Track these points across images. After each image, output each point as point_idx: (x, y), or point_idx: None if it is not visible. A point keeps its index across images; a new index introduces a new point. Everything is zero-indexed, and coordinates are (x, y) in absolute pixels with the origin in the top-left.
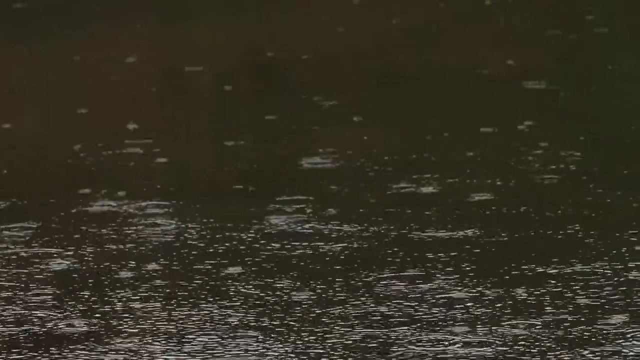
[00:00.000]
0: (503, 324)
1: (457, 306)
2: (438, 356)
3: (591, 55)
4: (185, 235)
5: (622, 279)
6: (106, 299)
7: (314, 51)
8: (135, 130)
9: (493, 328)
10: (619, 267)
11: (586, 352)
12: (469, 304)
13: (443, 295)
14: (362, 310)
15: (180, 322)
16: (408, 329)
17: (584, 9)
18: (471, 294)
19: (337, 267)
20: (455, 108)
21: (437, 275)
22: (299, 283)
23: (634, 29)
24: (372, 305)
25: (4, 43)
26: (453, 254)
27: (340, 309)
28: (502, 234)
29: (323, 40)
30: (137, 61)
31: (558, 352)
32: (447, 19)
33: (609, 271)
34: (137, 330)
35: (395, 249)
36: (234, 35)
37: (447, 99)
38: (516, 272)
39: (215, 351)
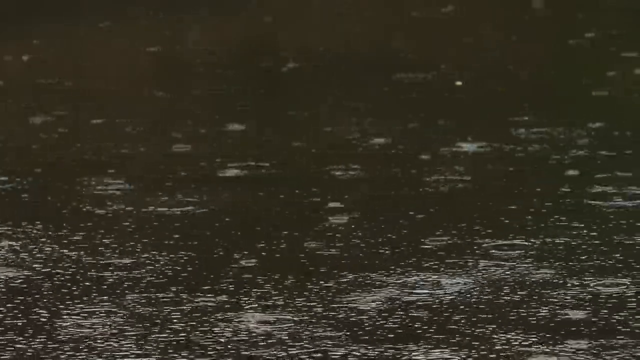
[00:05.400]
0: None
1: None
2: None
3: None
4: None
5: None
6: None
7: (313, 50)
8: (131, 127)
9: None
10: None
11: None
12: None
13: None
14: None
15: None
16: None
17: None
18: None
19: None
20: (459, 106)
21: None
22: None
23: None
24: None
25: (4, 43)
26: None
27: None
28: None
29: (323, 39)
30: (136, 57)
31: None
32: (451, 17)
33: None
34: None
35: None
36: (233, 33)
37: (451, 97)
38: None
39: None
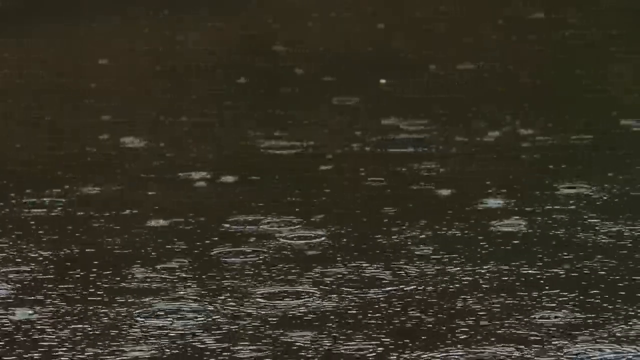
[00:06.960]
0: None
1: None
2: None
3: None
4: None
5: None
6: None
7: (313, 50)
8: (129, 127)
9: None
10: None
11: None
12: None
13: None
14: None
15: None
16: None
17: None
18: None
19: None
20: (457, 102)
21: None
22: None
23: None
24: None
25: (4, 43)
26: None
27: None
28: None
29: (323, 39)
30: (136, 57)
31: None
32: (452, 15)
33: None
34: None
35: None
36: (233, 33)
37: (450, 97)
38: None
39: None
